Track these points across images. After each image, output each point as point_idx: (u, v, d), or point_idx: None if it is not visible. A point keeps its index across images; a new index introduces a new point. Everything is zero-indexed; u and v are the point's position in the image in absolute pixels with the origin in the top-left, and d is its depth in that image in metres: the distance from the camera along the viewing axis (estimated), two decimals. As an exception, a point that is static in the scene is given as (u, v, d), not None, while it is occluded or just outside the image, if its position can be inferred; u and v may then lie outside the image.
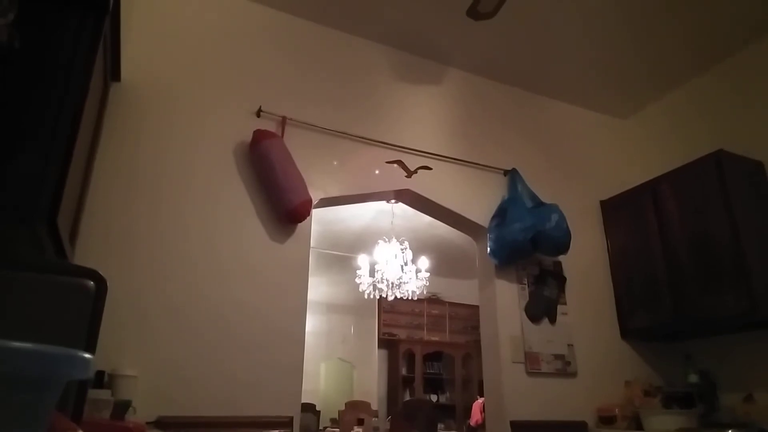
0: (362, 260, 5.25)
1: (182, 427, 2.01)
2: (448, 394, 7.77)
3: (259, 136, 2.46)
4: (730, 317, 2.59)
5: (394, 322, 7.66)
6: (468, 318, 7.71)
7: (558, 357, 2.88)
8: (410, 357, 7.59)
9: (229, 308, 2.27)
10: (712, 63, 3.26)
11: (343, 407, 5.89)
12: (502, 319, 2.85)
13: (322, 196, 2.64)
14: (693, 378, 2.92)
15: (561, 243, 2.84)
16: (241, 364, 2.21)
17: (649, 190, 3.08)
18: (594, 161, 3.57)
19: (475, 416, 6.05)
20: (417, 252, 5.35)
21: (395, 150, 2.91)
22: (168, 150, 2.38)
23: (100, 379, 1.83)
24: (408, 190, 2.90)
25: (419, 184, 2.91)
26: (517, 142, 3.33)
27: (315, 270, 5.40)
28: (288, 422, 2.22)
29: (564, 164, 3.44)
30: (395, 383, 7.43)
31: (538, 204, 2.96)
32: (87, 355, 0.48)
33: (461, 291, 7.67)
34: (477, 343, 5.67)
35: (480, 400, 5.91)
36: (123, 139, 2.29)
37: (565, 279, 3.08)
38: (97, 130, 2.07)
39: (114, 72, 2.16)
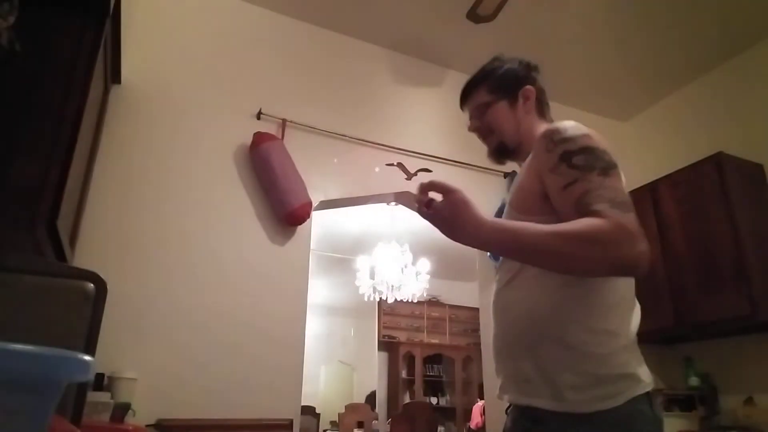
0: (362, 262, 5.25)
1: (182, 429, 2.00)
2: (448, 397, 7.76)
3: (259, 138, 2.46)
4: (731, 320, 2.59)
5: (394, 325, 7.65)
6: (468, 320, 7.71)
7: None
8: (410, 359, 7.59)
9: (229, 310, 2.27)
10: (711, 66, 3.26)
11: (342, 410, 5.88)
12: (502, 322, 2.84)
13: (322, 199, 2.64)
14: (694, 381, 2.91)
15: (561, 245, 2.84)
16: (241, 366, 2.21)
17: (649, 192, 3.08)
18: (594, 164, 3.57)
19: (476, 419, 6.04)
20: (417, 254, 5.35)
21: (395, 152, 2.92)
22: (168, 152, 2.38)
23: (100, 382, 1.83)
24: (408, 192, 2.90)
25: (419, 187, 2.91)
26: (517, 144, 3.33)
27: (315, 272, 5.39)
28: (288, 425, 2.21)
29: (564, 167, 3.44)
30: (395, 386, 7.42)
31: (538, 206, 2.95)
32: (87, 358, 0.48)
33: (461, 293, 7.66)
34: (477, 346, 5.64)
35: (480, 403, 5.90)
36: (123, 140, 2.29)
37: (565, 281, 3.08)
38: (97, 132, 2.07)
39: (114, 74, 2.16)
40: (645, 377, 0.96)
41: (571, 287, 0.98)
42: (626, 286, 1.03)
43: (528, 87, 1.23)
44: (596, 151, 1.01)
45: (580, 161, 0.99)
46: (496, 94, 1.25)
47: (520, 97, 1.23)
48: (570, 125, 1.07)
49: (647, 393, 0.94)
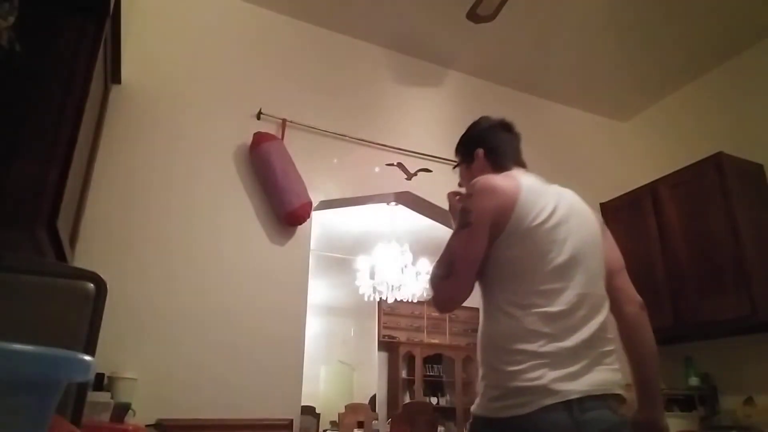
0: (362, 262, 5.25)
1: (182, 429, 2.00)
2: (448, 397, 7.75)
3: (260, 138, 2.46)
4: (731, 320, 2.59)
5: (394, 325, 7.65)
6: (468, 320, 7.70)
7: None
8: (410, 359, 7.58)
9: (229, 310, 2.27)
10: (711, 66, 3.26)
11: (342, 410, 5.88)
12: (502, 322, 2.84)
13: (322, 199, 2.64)
14: (694, 381, 2.91)
15: (561, 245, 2.84)
16: (241, 366, 2.21)
17: (649, 192, 3.08)
18: (594, 163, 3.57)
19: (476, 419, 6.03)
20: (417, 254, 5.35)
21: (395, 152, 2.92)
22: (168, 152, 2.38)
23: (100, 382, 1.83)
24: (408, 192, 2.90)
25: (419, 187, 2.91)
26: (517, 144, 3.33)
27: (315, 272, 5.39)
28: (288, 425, 2.21)
29: (563, 166, 3.44)
30: (395, 386, 7.42)
31: (538, 206, 2.95)
32: (87, 358, 0.48)
33: (461, 293, 7.63)
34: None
35: (480, 403, 5.88)
36: (123, 140, 2.29)
37: (565, 281, 3.07)
38: (97, 132, 2.07)
39: (114, 74, 2.16)
40: (567, 387, 1.08)
41: (501, 318, 1.20)
42: (546, 316, 1.16)
43: (477, 150, 1.46)
44: (461, 214, 1.27)
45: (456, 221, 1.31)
46: (461, 158, 1.54)
47: (475, 157, 1.47)
48: (470, 185, 1.32)
49: (567, 402, 1.07)
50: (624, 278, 1.37)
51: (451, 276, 1.24)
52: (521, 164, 1.45)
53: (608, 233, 1.40)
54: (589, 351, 1.14)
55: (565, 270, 1.20)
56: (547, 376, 1.09)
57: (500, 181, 1.28)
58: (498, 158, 1.44)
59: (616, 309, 1.31)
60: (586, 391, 1.08)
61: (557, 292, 1.18)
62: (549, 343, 1.12)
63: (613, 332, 1.24)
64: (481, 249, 1.22)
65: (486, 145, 1.46)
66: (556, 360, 1.10)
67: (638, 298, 1.34)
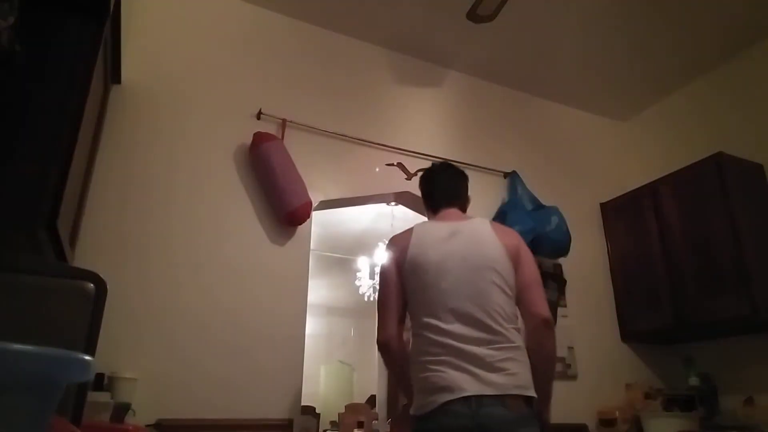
0: (362, 262, 5.25)
1: (182, 429, 2.00)
2: (448, 397, 7.75)
3: (259, 138, 2.46)
4: (731, 320, 2.59)
5: (394, 325, 7.64)
6: (468, 320, 7.68)
7: (558, 359, 2.88)
8: (410, 359, 7.58)
9: (229, 310, 2.26)
10: (711, 66, 3.26)
11: (343, 410, 5.87)
12: (502, 322, 2.84)
13: (322, 199, 2.64)
14: (694, 381, 2.91)
15: (561, 245, 2.84)
16: (241, 366, 2.21)
17: (649, 192, 3.08)
18: (594, 163, 3.57)
19: (476, 419, 6.02)
20: (417, 254, 5.34)
21: (395, 152, 2.92)
22: (168, 152, 2.38)
23: (100, 382, 1.83)
24: (408, 192, 2.90)
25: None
26: (516, 144, 3.34)
27: (315, 272, 5.37)
28: (287, 425, 2.22)
29: (564, 166, 3.44)
30: (395, 386, 7.41)
31: (538, 206, 2.95)
32: (87, 358, 0.48)
33: (461, 293, 7.62)
34: (477, 346, 5.61)
35: (480, 403, 5.87)
36: (123, 140, 2.29)
37: (565, 281, 3.08)
38: (97, 132, 2.07)
39: (114, 74, 2.16)
40: (463, 386, 1.34)
41: (413, 339, 1.50)
42: (441, 332, 1.42)
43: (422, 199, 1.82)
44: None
45: None
46: None
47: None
48: None
49: (465, 398, 1.33)
50: (529, 295, 1.55)
51: (378, 321, 1.54)
52: (450, 202, 1.71)
53: (524, 255, 1.58)
54: (484, 360, 1.37)
55: (454, 294, 1.44)
56: (447, 379, 1.36)
57: (397, 237, 1.64)
58: (430, 203, 1.77)
59: (523, 321, 1.55)
60: (481, 391, 1.33)
61: (449, 312, 1.43)
62: (446, 355, 1.39)
63: (519, 341, 1.46)
64: (393, 293, 1.53)
65: (423, 195, 1.81)
66: (453, 367, 1.37)
67: (539, 312, 1.52)
